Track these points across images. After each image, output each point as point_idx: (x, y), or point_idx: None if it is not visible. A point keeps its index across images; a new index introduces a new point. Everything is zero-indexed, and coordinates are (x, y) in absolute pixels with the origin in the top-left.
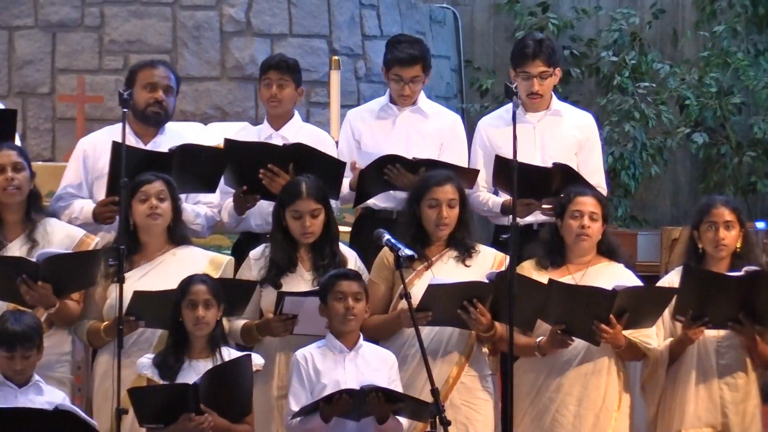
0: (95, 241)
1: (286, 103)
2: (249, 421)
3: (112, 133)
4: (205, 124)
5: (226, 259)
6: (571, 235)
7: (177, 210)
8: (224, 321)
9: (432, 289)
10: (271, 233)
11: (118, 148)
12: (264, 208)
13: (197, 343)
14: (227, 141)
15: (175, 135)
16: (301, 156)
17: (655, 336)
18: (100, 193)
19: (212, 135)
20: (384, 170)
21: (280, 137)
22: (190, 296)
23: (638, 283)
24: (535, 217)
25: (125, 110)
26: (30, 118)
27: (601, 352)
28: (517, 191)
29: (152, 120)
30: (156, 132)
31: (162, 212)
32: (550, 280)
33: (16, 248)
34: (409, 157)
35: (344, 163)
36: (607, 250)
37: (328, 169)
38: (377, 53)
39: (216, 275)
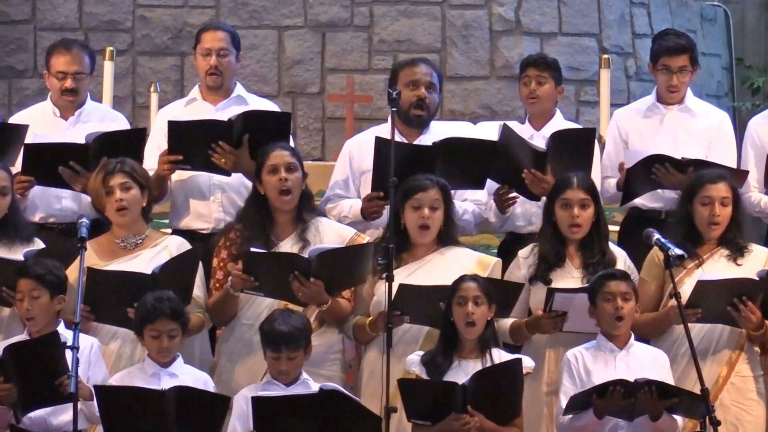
0: (366, 240)
1: (544, 101)
2: (518, 424)
3: (378, 133)
4: (474, 123)
5: (493, 261)
6: None
7: (449, 216)
8: None
9: (700, 285)
10: (541, 228)
11: (381, 144)
12: (527, 208)
13: (467, 342)
14: (505, 126)
15: (441, 134)
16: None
17: None
18: (367, 192)
19: (481, 134)
20: (652, 169)
21: (541, 137)
22: (459, 293)
23: None
24: None
25: (394, 109)
26: (300, 117)
27: None
28: None
29: (414, 123)
30: (420, 132)
31: (431, 223)
32: None
33: (287, 247)
34: (677, 156)
35: (594, 130)
36: None
37: (580, 148)
38: (647, 51)
39: (483, 275)
